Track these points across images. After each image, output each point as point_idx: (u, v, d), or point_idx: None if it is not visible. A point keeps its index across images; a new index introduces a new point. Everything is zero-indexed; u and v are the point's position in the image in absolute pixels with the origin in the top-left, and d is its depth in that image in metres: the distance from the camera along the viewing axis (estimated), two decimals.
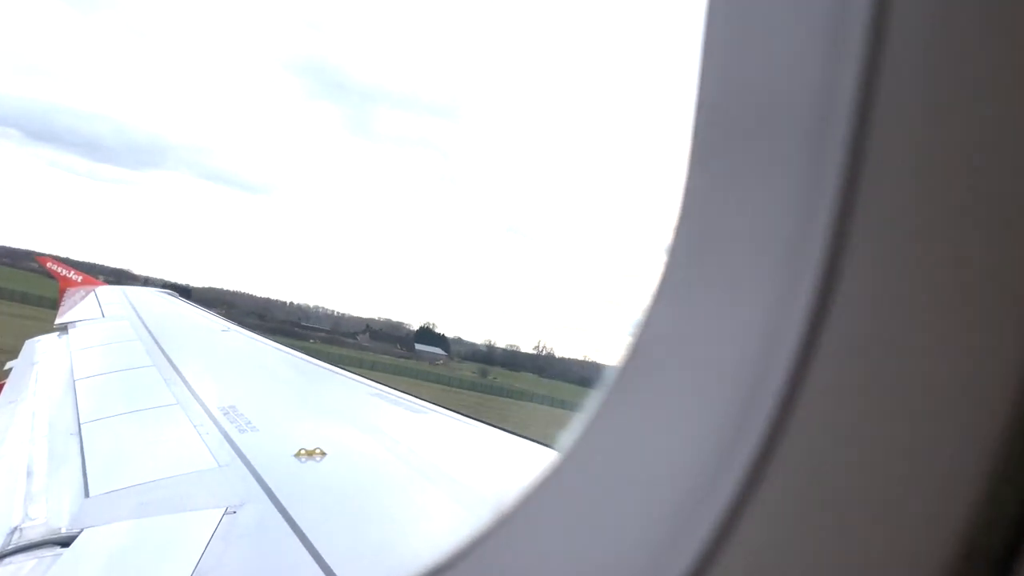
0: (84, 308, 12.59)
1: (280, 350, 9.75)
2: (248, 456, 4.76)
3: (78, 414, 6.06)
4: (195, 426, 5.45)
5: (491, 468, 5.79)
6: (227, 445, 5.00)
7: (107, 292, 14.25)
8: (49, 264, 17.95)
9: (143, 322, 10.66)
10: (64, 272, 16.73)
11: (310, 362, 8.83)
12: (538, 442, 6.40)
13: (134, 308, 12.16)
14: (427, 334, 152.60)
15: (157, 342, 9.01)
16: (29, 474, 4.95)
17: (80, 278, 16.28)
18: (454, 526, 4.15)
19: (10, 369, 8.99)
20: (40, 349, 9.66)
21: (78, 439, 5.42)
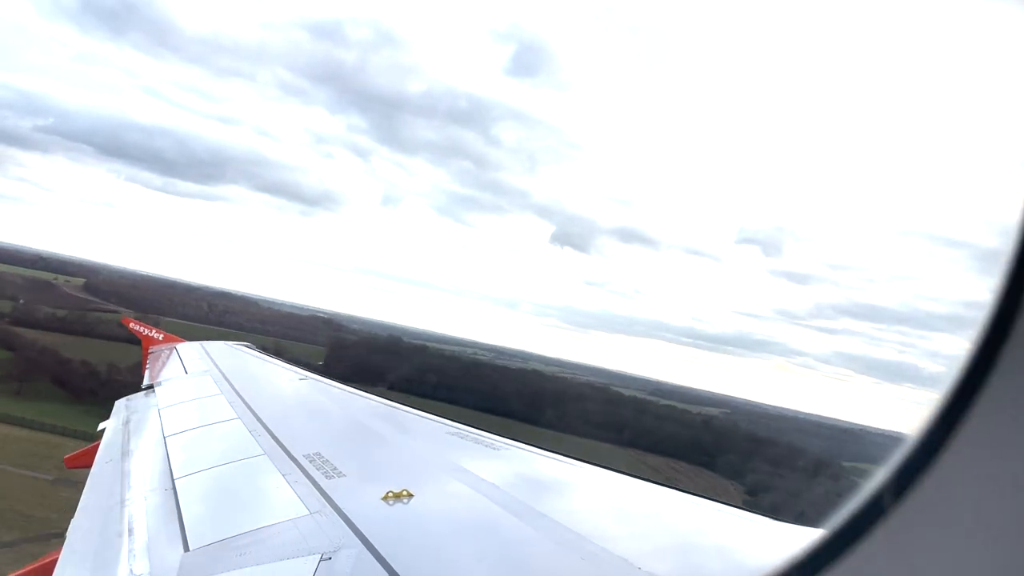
0: (168, 366, 13.07)
1: (356, 394, 9.86)
2: (337, 502, 4.79)
3: (171, 470, 6.23)
4: (283, 475, 5.53)
5: (577, 501, 5.68)
6: (316, 492, 5.05)
7: (187, 348, 14.75)
8: (132, 325, 18.70)
9: (224, 376, 10.98)
10: (146, 332, 17.41)
11: (388, 404, 8.90)
12: (618, 471, 6.25)
13: (214, 362, 12.55)
14: None
15: (239, 395, 9.25)
16: (130, 532, 5.09)
17: (161, 336, 16.91)
18: (549, 561, 4.07)
19: (103, 430, 9.35)
20: (130, 409, 10.03)
21: (173, 495, 5.56)
